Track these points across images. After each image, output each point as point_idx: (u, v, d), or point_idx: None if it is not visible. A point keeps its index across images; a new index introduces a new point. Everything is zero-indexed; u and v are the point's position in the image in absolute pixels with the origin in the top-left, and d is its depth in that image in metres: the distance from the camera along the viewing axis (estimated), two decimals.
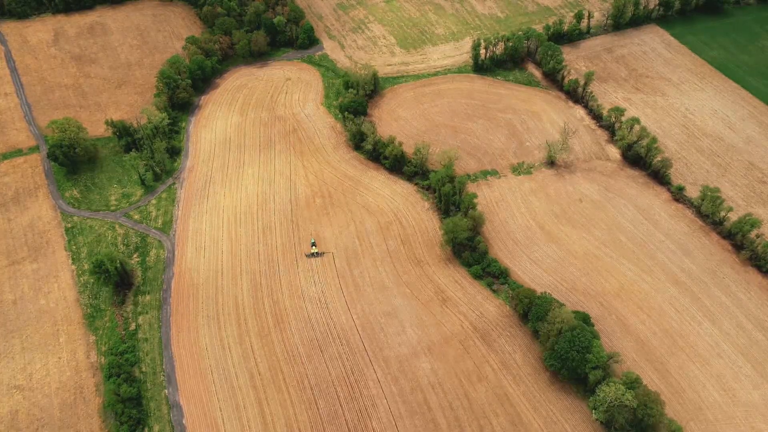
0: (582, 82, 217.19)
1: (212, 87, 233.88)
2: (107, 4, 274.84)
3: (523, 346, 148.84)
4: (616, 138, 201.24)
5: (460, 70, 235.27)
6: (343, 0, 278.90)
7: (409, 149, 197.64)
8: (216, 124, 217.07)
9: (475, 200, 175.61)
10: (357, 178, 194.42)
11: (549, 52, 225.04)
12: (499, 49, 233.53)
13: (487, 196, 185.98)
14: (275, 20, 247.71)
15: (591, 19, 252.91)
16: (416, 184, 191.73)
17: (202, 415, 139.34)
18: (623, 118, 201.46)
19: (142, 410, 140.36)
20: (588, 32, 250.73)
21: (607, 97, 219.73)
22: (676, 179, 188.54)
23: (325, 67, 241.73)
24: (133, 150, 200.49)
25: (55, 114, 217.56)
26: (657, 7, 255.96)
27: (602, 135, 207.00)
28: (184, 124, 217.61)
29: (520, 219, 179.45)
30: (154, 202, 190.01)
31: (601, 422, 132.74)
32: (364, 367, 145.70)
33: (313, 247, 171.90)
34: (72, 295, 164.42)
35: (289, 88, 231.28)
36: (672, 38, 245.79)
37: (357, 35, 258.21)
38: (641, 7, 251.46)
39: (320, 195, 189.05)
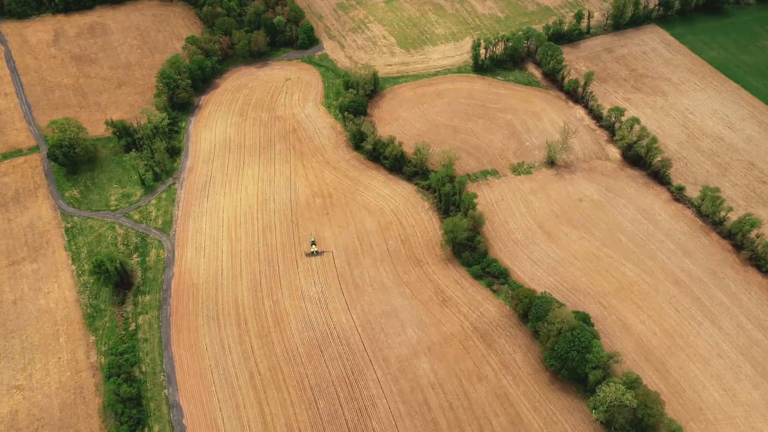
0: (582, 82, 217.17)
1: (212, 87, 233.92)
2: (107, 4, 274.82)
3: (523, 346, 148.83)
4: (616, 138, 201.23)
5: (460, 70, 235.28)
6: (343, 0, 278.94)
7: (409, 149, 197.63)
8: (216, 124, 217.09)
9: (475, 200, 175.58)
10: (357, 178, 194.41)
11: (549, 52, 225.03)
12: (499, 49, 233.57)
13: (487, 196, 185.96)
14: (275, 20, 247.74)
15: (591, 19, 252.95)
16: (416, 184, 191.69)
17: (202, 415, 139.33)
18: (623, 118, 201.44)
19: (142, 410, 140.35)
20: (588, 32, 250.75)
21: (607, 97, 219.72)
22: (676, 179, 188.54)
23: (325, 67, 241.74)
24: (133, 150, 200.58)
25: (55, 114, 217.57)
26: (657, 7, 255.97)
27: (602, 135, 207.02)
28: (184, 124, 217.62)
29: (520, 219, 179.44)
30: (154, 202, 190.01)
31: (601, 422, 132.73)
32: (364, 367, 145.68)
33: (313, 246, 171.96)
34: (72, 295, 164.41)
35: (289, 88, 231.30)
36: (672, 38, 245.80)
37: (357, 35, 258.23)
38: (641, 7, 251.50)
39: (320, 195, 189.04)
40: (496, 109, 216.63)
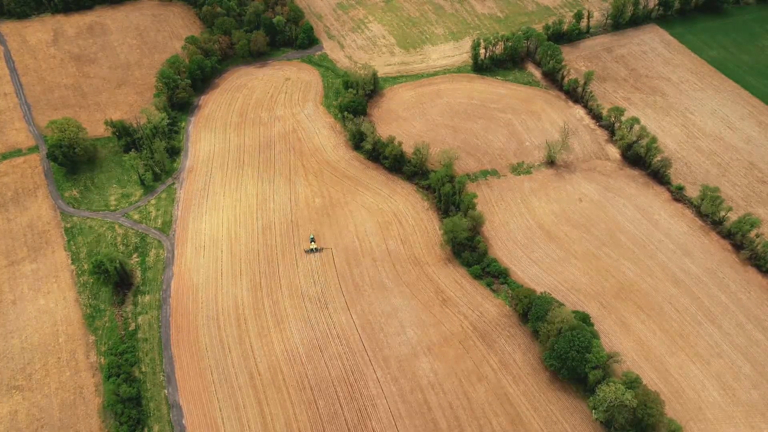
0: (582, 82, 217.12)
1: (212, 87, 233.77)
2: (106, 4, 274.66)
3: (523, 346, 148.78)
4: (615, 138, 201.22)
5: (459, 70, 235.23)
6: (342, 0, 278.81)
7: (408, 149, 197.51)
8: (215, 124, 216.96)
9: (475, 200, 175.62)
10: (356, 178, 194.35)
11: (549, 52, 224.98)
12: (499, 48, 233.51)
13: (486, 196, 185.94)
14: (275, 20, 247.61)
15: (591, 19, 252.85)
16: (416, 183, 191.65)
17: (202, 415, 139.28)
18: (623, 118, 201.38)
19: (141, 410, 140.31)
20: (588, 32, 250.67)
21: (606, 96, 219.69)
22: (676, 179, 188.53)
23: (325, 66, 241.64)
24: (132, 150, 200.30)
25: (54, 114, 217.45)
26: (657, 7, 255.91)
27: (602, 135, 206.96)
28: (183, 124, 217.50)
29: (519, 219, 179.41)
30: (153, 202, 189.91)
31: (601, 422, 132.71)
32: (364, 367, 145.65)
33: (312, 243, 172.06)
34: (72, 295, 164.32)
35: (289, 88, 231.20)
36: (672, 38, 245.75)
37: (356, 35, 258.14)
38: (641, 7, 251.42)
39: (320, 195, 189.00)
40: (495, 109, 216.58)
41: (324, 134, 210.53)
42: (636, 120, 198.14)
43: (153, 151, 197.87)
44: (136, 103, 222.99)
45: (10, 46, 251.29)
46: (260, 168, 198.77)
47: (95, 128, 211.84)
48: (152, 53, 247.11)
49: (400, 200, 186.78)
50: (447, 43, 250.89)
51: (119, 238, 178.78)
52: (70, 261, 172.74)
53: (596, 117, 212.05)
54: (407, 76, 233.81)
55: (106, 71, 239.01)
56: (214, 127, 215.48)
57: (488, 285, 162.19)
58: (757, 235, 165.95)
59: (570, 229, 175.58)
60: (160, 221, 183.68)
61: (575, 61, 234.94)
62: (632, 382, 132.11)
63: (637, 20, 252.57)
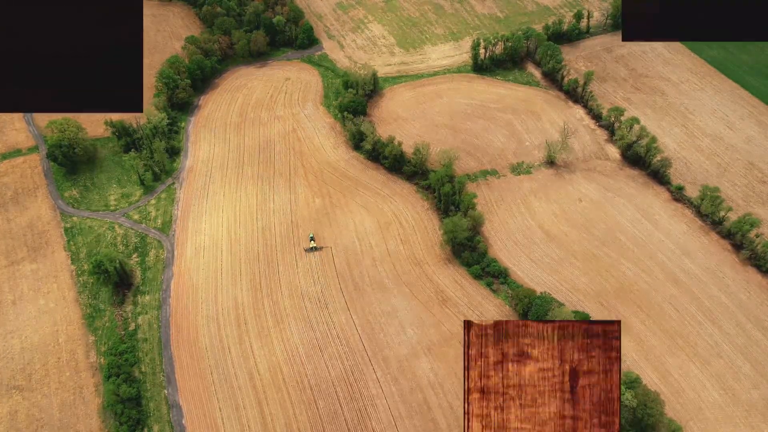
0: (581, 82, 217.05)
1: (211, 87, 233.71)
2: None
3: None
4: (615, 138, 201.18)
5: (459, 70, 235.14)
6: (342, 0, 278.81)
7: (408, 149, 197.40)
8: (215, 124, 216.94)
9: (475, 200, 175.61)
10: (356, 178, 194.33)
11: (548, 52, 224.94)
12: (499, 48, 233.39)
13: (486, 196, 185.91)
14: (274, 20, 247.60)
15: (590, 19, 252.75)
16: (416, 183, 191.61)
17: (202, 415, 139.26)
18: (623, 118, 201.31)
19: (141, 410, 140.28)
20: (587, 32, 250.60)
21: (606, 96, 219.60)
22: (676, 179, 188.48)
23: (325, 66, 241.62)
24: (132, 150, 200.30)
25: (54, 114, 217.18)
26: None
27: (602, 135, 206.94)
28: (183, 124, 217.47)
29: (519, 219, 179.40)
30: (153, 202, 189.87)
31: None
32: (364, 367, 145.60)
33: (312, 242, 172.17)
34: (71, 296, 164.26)
35: (289, 88, 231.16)
36: None
37: (356, 35, 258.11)
38: None
39: (319, 195, 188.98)
40: (495, 109, 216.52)
41: (324, 134, 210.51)
42: (636, 120, 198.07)
43: (153, 151, 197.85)
44: None
45: None
46: (260, 168, 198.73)
47: (95, 128, 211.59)
48: (152, 53, 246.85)
49: (400, 200, 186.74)
50: (447, 43, 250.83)
51: (119, 238, 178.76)
52: (69, 261, 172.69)
53: (596, 117, 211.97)
54: (407, 76, 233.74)
55: None
56: (214, 127, 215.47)
57: (488, 285, 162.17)
58: (757, 235, 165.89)
59: (570, 229, 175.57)
60: (159, 221, 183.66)
61: (575, 61, 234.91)
62: (632, 382, 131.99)
63: None
